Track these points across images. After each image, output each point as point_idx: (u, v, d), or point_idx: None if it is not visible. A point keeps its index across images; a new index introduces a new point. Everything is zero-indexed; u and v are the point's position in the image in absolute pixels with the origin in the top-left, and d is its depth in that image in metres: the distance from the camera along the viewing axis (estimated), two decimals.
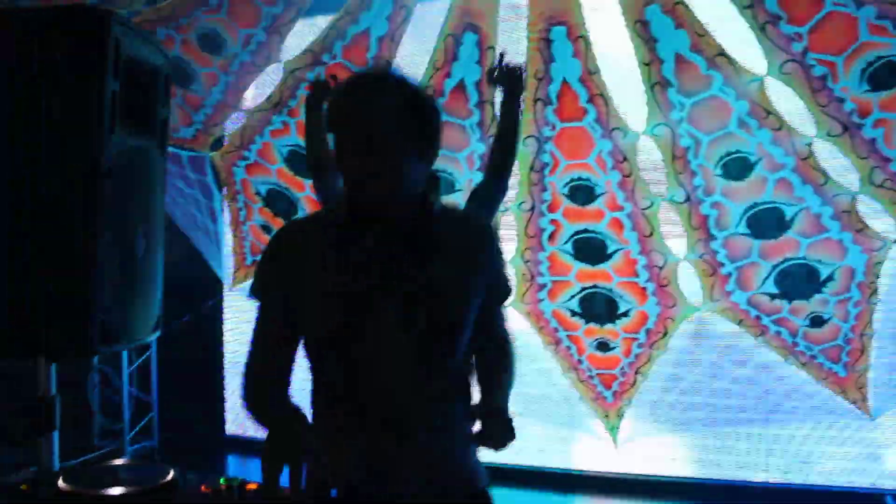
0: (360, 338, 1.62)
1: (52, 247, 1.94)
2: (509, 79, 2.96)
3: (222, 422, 6.00)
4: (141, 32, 2.22)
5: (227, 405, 6.00)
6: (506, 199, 4.22)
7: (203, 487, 1.60)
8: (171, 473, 1.68)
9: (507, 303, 1.85)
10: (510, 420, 1.60)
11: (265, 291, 1.70)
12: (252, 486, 1.62)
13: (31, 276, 1.95)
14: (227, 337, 5.89)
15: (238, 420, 5.89)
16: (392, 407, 1.62)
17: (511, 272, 4.50)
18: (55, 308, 1.93)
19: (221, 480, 1.64)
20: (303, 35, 4.27)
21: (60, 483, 1.62)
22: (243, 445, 5.76)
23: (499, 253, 1.80)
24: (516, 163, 4.06)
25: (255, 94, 4.56)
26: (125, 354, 5.77)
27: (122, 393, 5.74)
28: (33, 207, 1.94)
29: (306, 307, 1.64)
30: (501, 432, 1.58)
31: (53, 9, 1.97)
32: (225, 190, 4.94)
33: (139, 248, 2.17)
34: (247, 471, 5.61)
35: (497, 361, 1.79)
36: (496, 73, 2.97)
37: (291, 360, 1.73)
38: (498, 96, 3.16)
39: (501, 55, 3.01)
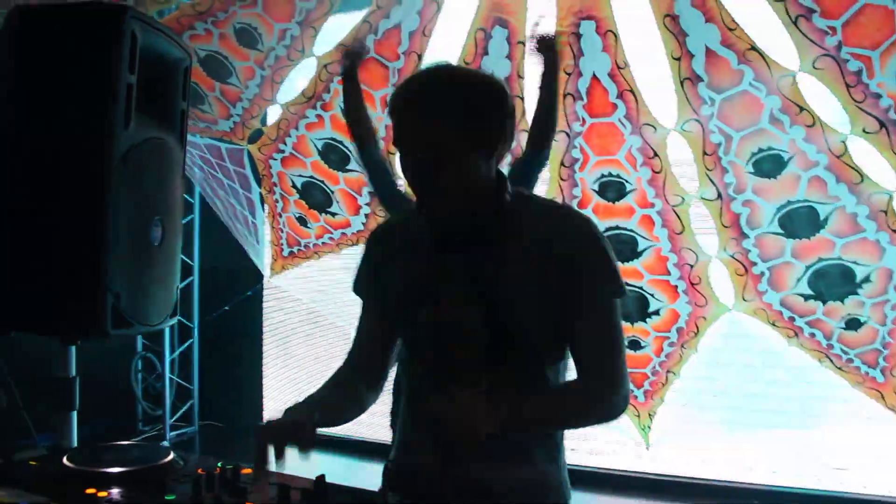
0: (431, 342, 1.65)
1: (66, 234, 2.00)
2: (542, 49, 2.95)
3: (261, 410, 6.12)
4: (160, 27, 2.27)
5: (266, 394, 6.11)
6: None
7: (199, 470, 1.64)
8: (171, 455, 1.72)
9: (603, 315, 1.59)
10: (487, 419, 1.40)
11: (365, 291, 1.78)
12: (247, 471, 1.65)
13: (47, 262, 2.02)
14: (266, 326, 6.00)
15: (277, 409, 6.00)
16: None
17: None
18: (69, 293, 2.00)
19: (219, 464, 1.67)
20: (336, 30, 4.31)
21: (65, 460, 1.68)
22: None
23: (601, 252, 1.59)
24: (547, 159, 4.10)
25: (287, 89, 4.60)
26: (167, 342, 5.93)
27: (163, 380, 5.89)
28: (50, 196, 2.01)
29: (392, 306, 1.71)
30: (459, 414, 1.40)
31: (70, 5, 2.04)
32: (263, 182, 5.03)
33: (154, 235, 2.22)
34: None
35: (572, 389, 1.63)
36: (534, 45, 2.96)
37: (375, 357, 1.78)
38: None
39: (536, 25, 2.99)
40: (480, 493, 1.59)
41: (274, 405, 6.06)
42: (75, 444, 2.35)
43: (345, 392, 1.71)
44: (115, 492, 1.53)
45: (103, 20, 1.97)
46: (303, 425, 1.44)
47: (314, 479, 1.59)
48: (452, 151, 1.51)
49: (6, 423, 2.37)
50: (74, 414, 2.32)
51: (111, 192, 2.00)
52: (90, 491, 1.52)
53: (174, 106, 2.33)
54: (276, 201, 4.99)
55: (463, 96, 1.52)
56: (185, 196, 6.05)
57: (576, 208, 1.75)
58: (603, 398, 1.59)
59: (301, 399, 1.61)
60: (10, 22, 2.00)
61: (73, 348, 2.36)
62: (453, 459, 1.57)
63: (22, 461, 1.73)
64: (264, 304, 5.99)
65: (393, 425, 2.99)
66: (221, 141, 4.90)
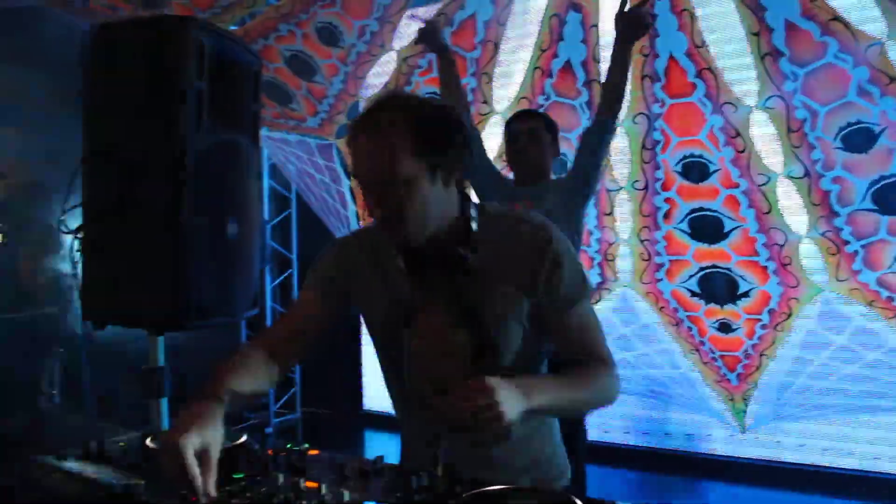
0: (417, 364, 1.71)
1: (150, 233, 2.15)
2: (628, 21, 2.96)
3: (360, 396, 6.30)
4: (230, 35, 2.41)
5: (365, 382, 6.28)
6: (620, 177, 4.23)
7: (269, 451, 1.75)
8: (244, 437, 1.84)
9: (582, 307, 1.69)
10: (511, 409, 1.40)
11: (320, 284, 1.80)
12: (313, 452, 1.74)
13: (134, 261, 2.17)
14: None
15: (375, 397, 6.17)
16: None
17: (627, 251, 4.46)
18: (152, 287, 2.15)
19: (288, 445, 1.78)
20: (413, 24, 4.39)
21: (148, 441, 1.81)
22: (379, 421, 6.05)
23: (558, 259, 1.66)
24: (628, 141, 4.07)
25: (372, 84, 4.71)
26: None
27: None
28: (134, 200, 2.16)
29: (375, 327, 1.78)
30: (486, 415, 1.38)
31: (144, 20, 2.19)
32: (352, 176, 5.17)
33: (231, 231, 2.35)
34: (381, 445, 5.90)
35: (574, 372, 1.67)
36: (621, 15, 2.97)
37: (299, 348, 1.82)
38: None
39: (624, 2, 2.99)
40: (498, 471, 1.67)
41: (373, 391, 6.23)
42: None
43: (260, 376, 1.72)
44: None
45: (174, 32, 2.10)
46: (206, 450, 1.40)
47: (373, 459, 1.66)
48: (406, 175, 1.53)
49: (107, 413, 2.56)
50: (165, 401, 2.48)
51: (187, 193, 2.13)
52: None
53: (246, 108, 2.45)
54: None
55: (413, 121, 1.54)
56: (283, 191, 6.30)
57: (533, 215, 1.73)
58: (607, 379, 1.68)
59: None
60: (92, 40, 2.17)
61: (162, 339, 2.52)
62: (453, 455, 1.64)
63: (113, 443, 1.87)
64: None
65: None
66: (311, 137, 5.06)
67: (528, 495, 1.44)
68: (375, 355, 1.87)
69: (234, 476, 1.63)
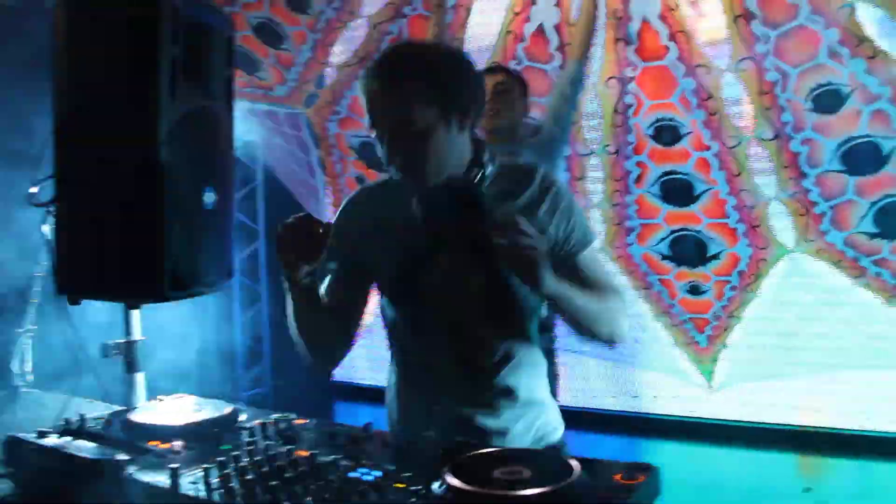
0: (434, 311, 1.75)
1: (124, 205, 2.10)
2: None
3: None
4: None
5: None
6: (591, 141, 4.23)
7: (257, 422, 1.73)
8: (229, 408, 1.83)
9: (592, 251, 1.79)
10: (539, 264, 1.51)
11: (339, 251, 1.82)
12: (300, 422, 1.74)
13: (109, 233, 2.12)
14: None
15: (346, 367, 6.15)
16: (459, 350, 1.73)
17: (599, 216, 4.48)
18: (129, 260, 2.10)
19: (274, 416, 1.77)
20: None
21: (130, 416, 1.79)
22: (350, 392, 6.04)
23: (563, 204, 1.73)
24: (599, 105, 4.06)
25: (342, 50, 4.64)
26: (238, 305, 6.12)
27: (234, 342, 6.08)
28: (104, 170, 2.10)
29: (389, 278, 1.81)
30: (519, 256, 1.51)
31: None
32: (321, 144, 5.11)
33: (208, 201, 2.30)
34: (353, 416, 5.90)
35: (597, 288, 1.75)
36: None
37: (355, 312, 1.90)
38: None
39: None
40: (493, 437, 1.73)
41: (344, 362, 6.20)
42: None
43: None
44: (177, 444, 1.62)
45: None
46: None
47: (362, 425, 1.66)
48: (424, 121, 1.56)
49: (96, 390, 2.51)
50: (142, 375, 2.45)
51: (162, 162, 2.07)
52: (153, 443, 1.62)
53: (220, 74, 2.38)
54: (335, 163, 5.06)
55: (427, 67, 1.57)
56: (248, 163, 6.21)
57: (541, 166, 1.80)
58: (618, 303, 1.78)
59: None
60: (62, 4, 2.09)
61: (137, 312, 2.48)
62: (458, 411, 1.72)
63: (95, 418, 1.84)
64: None
65: None
66: (279, 106, 4.98)
67: (515, 456, 1.45)
68: (380, 315, 1.86)
69: (223, 448, 1.62)
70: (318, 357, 1.85)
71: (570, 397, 5.01)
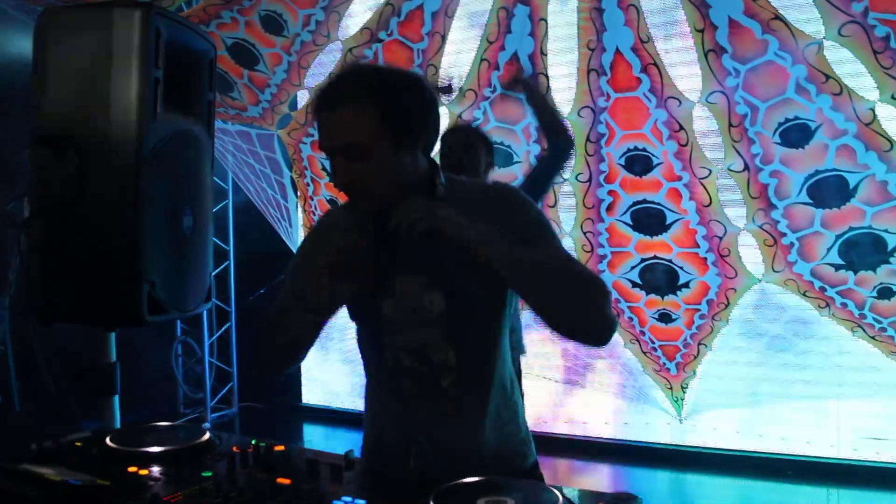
0: (394, 330, 1.71)
1: (102, 226, 2.07)
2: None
3: (299, 391, 6.23)
4: (183, 21, 2.32)
5: (304, 376, 6.22)
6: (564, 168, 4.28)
7: (234, 448, 1.71)
8: (208, 435, 1.80)
9: (557, 249, 1.65)
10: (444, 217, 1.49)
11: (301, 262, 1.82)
12: (280, 448, 1.72)
13: (85, 254, 2.09)
14: None
15: (314, 391, 6.12)
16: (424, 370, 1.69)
17: (570, 243, 4.52)
18: (107, 282, 2.07)
19: (252, 442, 1.74)
20: (359, 14, 4.35)
21: (108, 441, 1.76)
22: (317, 414, 6.01)
23: (522, 206, 1.66)
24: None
25: (316, 73, 4.65)
26: (206, 326, 6.06)
27: (203, 363, 6.02)
28: (85, 192, 2.07)
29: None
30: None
31: (94, 4, 2.10)
32: (294, 166, 5.11)
33: (186, 224, 2.29)
34: (321, 438, 5.86)
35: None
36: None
37: None
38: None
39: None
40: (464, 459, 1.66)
41: (311, 385, 6.17)
42: (118, 426, 2.45)
43: None
44: (156, 470, 1.60)
45: (128, 17, 2.03)
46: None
47: (343, 454, 1.65)
48: (372, 145, 1.53)
49: (55, 411, 2.47)
50: (116, 398, 2.41)
51: (143, 185, 2.06)
52: (132, 469, 1.59)
53: (201, 97, 2.37)
54: (307, 184, 5.06)
55: (377, 90, 1.53)
56: (220, 182, 6.17)
57: (502, 181, 1.77)
58: (600, 287, 1.58)
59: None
60: (40, 25, 2.07)
61: (113, 335, 2.45)
62: (428, 431, 1.68)
63: (69, 442, 1.81)
64: None
65: None
66: (252, 127, 4.98)
67: (499, 485, 1.45)
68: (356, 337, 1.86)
69: (203, 475, 1.60)
70: (280, 359, 1.82)
71: (538, 423, 5.03)
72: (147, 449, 1.72)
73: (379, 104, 1.52)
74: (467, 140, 3.11)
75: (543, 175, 3.15)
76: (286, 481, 1.47)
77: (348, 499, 1.38)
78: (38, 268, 2.15)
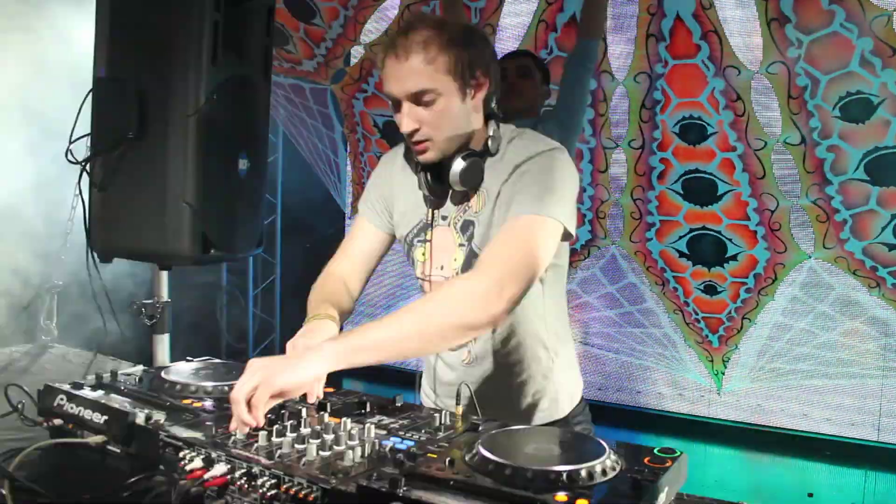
0: (421, 271, 1.86)
1: (161, 166, 2.12)
2: None
3: None
4: None
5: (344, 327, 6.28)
6: (616, 135, 4.23)
7: None
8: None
9: (529, 220, 1.61)
10: None
11: (370, 208, 1.97)
12: (327, 390, 1.76)
13: (141, 193, 2.15)
14: None
15: None
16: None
17: (619, 210, 4.49)
18: (161, 221, 2.13)
19: None
20: None
21: (163, 374, 1.82)
22: (358, 369, 6.08)
23: (529, 166, 1.67)
24: (627, 99, 4.06)
25: (370, 30, 4.64)
26: (251, 277, 6.15)
27: (247, 314, 6.13)
28: (144, 130, 2.12)
29: (398, 222, 1.92)
30: None
31: None
32: (345, 121, 5.12)
33: (242, 168, 2.33)
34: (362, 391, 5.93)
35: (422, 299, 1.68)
36: None
37: (368, 270, 1.99)
38: None
39: None
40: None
41: None
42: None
43: (345, 302, 1.91)
44: (208, 403, 1.65)
45: None
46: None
47: (392, 397, 1.68)
48: (440, 92, 1.61)
49: (116, 349, 2.55)
50: (167, 336, 2.48)
51: (201, 127, 2.10)
52: (186, 401, 1.64)
53: (259, 43, 2.41)
54: (358, 140, 5.08)
55: (447, 40, 1.60)
56: (270, 136, 6.21)
57: (558, 146, 1.71)
58: (459, 294, 1.55)
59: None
60: None
61: (166, 275, 2.51)
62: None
63: (127, 377, 1.86)
64: None
65: None
66: (305, 80, 4.99)
67: (553, 435, 1.48)
68: None
69: None
70: None
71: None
72: (201, 383, 1.77)
73: (448, 54, 1.59)
74: (522, 63, 3.11)
75: (576, 82, 3.09)
76: (336, 420, 1.50)
77: (397, 439, 1.41)
78: (97, 206, 2.22)
